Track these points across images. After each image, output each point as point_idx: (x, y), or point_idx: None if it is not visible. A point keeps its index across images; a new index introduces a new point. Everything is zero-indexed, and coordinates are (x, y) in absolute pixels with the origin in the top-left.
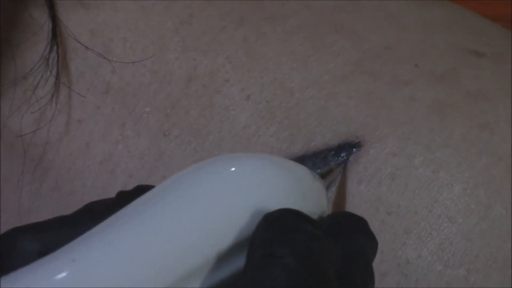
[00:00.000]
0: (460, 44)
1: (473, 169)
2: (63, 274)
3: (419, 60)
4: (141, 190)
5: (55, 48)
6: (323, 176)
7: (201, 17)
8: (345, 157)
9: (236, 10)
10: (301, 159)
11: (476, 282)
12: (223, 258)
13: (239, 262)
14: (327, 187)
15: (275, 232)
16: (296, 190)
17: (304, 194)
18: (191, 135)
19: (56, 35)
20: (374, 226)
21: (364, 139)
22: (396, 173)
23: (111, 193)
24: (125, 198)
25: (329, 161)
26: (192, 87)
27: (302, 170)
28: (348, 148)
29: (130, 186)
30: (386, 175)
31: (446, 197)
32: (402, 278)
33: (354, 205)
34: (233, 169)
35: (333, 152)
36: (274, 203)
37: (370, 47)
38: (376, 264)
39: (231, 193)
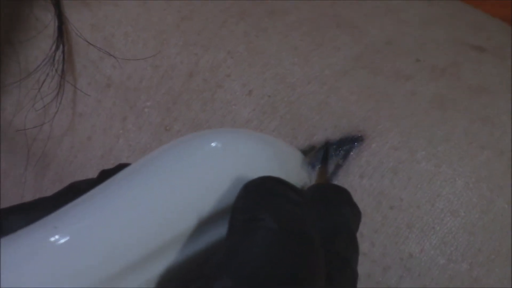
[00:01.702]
0: (460, 39)
1: (475, 163)
2: (46, 240)
3: (419, 55)
4: (123, 167)
5: (60, 46)
6: (305, 153)
7: (202, 11)
8: (345, 154)
9: (237, 5)
10: (303, 154)
11: (479, 276)
12: (206, 226)
13: (222, 230)
14: (311, 166)
15: (257, 197)
16: (277, 162)
17: (285, 166)
18: (192, 129)
19: (62, 33)
20: (376, 221)
21: (365, 134)
22: (398, 167)
23: None
24: (106, 176)
25: (331, 155)
26: (193, 81)
27: (283, 144)
28: (350, 142)
29: None
30: (389, 169)
31: (449, 191)
32: (405, 272)
33: (356, 199)
34: (213, 144)
35: (335, 147)
36: (255, 174)
37: (370, 42)
38: (379, 258)
39: (211, 166)
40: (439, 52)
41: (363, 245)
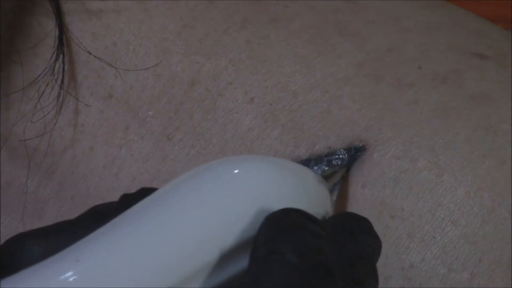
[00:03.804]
0: (462, 46)
1: (477, 172)
2: (67, 274)
3: (422, 62)
4: (144, 192)
5: (61, 55)
6: (326, 178)
7: (204, 19)
8: (349, 160)
9: (239, 13)
10: (306, 163)
11: (479, 285)
12: (227, 258)
13: (243, 263)
14: (330, 190)
15: (278, 230)
16: (299, 191)
17: (307, 195)
18: (194, 138)
19: (62, 43)
20: (378, 230)
21: (367, 143)
22: (400, 177)
23: (115, 197)
24: (129, 200)
25: (333, 164)
26: (195, 90)
27: (305, 172)
28: (352, 151)
29: (133, 190)
30: (390, 179)
31: (450, 201)
32: (406, 281)
33: (358, 209)
34: (236, 171)
35: (337, 156)
36: (277, 204)
37: (373, 49)
38: (380, 267)
39: (234, 195)
40: (441, 60)
41: None
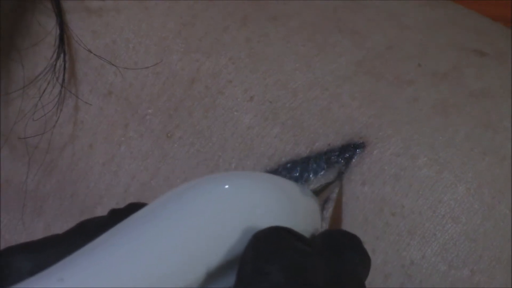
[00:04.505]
0: (462, 43)
1: (477, 169)
2: None
3: (421, 60)
4: (133, 208)
5: (61, 54)
6: (317, 193)
7: (204, 18)
8: (346, 161)
9: (239, 11)
10: (305, 160)
11: (480, 282)
12: (213, 276)
13: (230, 281)
14: (323, 204)
15: (265, 249)
16: (287, 208)
17: (295, 212)
18: (194, 136)
19: (63, 42)
20: (378, 227)
21: (367, 140)
22: (400, 174)
23: (114, 195)
24: (117, 216)
25: (332, 162)
26: (195, 88)
27: (294, 188)
28: (351, 149)
29: (133, 188)
30: (390, 176)
31: (450, 198)
32: (406, 279)
33: (358, 207)
34: (226, 186)
35: (336, 153)
36: (265, 222)
37: (372, 47)
38: (380, 265)
39: (222, 212)
40: (441, 57)
41: None
